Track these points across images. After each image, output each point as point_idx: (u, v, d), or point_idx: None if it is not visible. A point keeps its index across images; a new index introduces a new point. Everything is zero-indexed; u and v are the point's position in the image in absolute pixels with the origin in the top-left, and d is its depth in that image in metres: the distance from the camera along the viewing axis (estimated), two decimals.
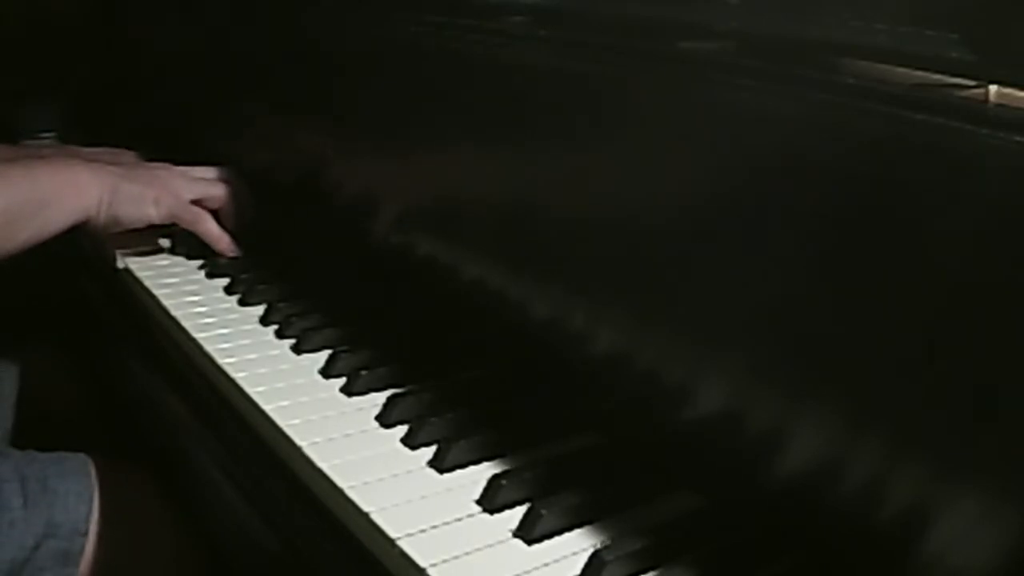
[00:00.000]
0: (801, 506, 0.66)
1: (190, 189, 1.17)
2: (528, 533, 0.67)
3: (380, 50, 1.05)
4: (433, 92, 0.98)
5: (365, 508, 0.70)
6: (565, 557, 0.66)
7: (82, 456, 0.98)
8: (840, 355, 0.63)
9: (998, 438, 0.55)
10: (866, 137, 0.61)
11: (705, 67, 0.74)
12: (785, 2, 0.77)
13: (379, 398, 0.84)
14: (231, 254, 1.16)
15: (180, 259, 1.18)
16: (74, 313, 1.33)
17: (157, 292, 1.07)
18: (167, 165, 1.21)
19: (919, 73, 0.65)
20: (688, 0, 0.84)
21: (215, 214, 1.18)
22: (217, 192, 1.19)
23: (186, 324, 0.99)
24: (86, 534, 0.93)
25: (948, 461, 0.57)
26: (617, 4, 0.90)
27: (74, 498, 0.93)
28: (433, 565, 0.64)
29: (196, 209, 1.16)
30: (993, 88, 0.61)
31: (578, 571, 0.64)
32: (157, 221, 1.14)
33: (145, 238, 1.20)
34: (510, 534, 0.68)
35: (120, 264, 1.16)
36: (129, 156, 1.35)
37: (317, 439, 0.78)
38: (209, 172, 1.22)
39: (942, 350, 0.57)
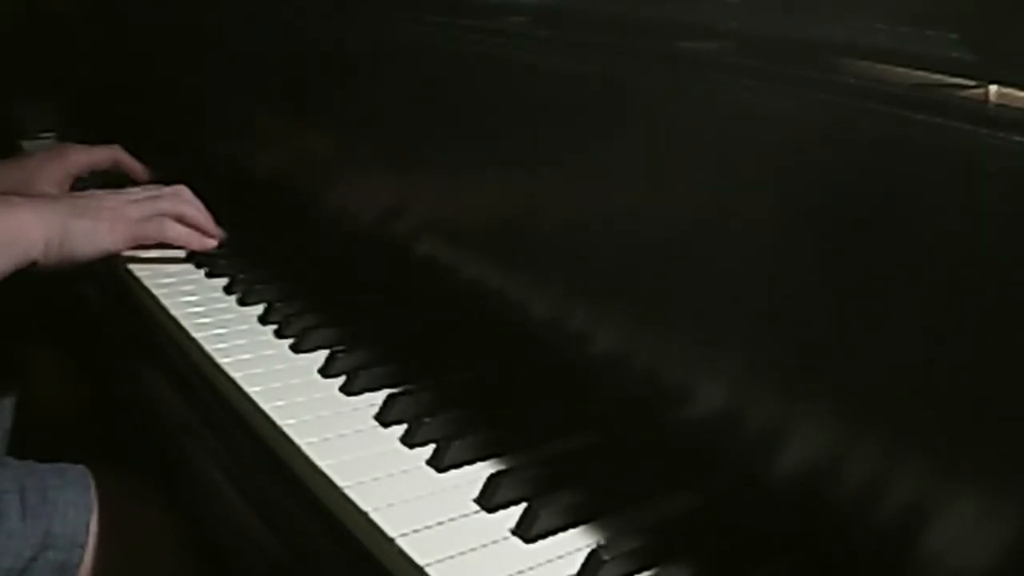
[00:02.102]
0: (799, 506, 0.66)
1: (139, 209, 1.14)
2: (526, 532, 0.67)
3: (380, 50, 1.05)
4: (433, 92, 0.98)
5: (364, 507, 0.70)
6: (563, 556, 0.66)
7: (82, 467, 0.98)
8: (839, 355, 0.63)
9: (998, 438, 0.55)
10: (866, 137, 0.61)
11: (705, 67, 0.74)
12: (785, 2, 0.77)
13: (378, 397, 0.84)
14: (210, 246, 1.16)
15: (179, 259, 1.18)
16: (74, 314, 1.32)
17: (156, 292, 1.07)
18: (111, 194, 1.18)
19: (919, 73, 0.65)
20: (688, 0, 0.84)
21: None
22: (163, 206, 1.16)
23: (185, 324, 0.99)
24: (84, 546, 0.92)
25: (948, 461, 0.57)
26: (617, 4, 0.90)
27: (73, 509, 0.93)
28: (431, 564, 0.64)
29: (153, 222, 1.14)
30: (993, 88, 0.61)
31: (576, 570, 0.64)
32: (117, 250, 1.12)
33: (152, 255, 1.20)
34: (508, 533, 0.68)
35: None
36: (118, 151, 1.36)
37: (316, 438, 0.78)
38: (151, 189, 1.20)
39: (942, 350, 0.57)
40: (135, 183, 1.33)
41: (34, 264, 1.07)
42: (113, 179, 1.38)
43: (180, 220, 1.16)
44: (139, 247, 1.15)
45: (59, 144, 1.49)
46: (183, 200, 1.18)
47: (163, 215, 1.15)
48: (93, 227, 1.09)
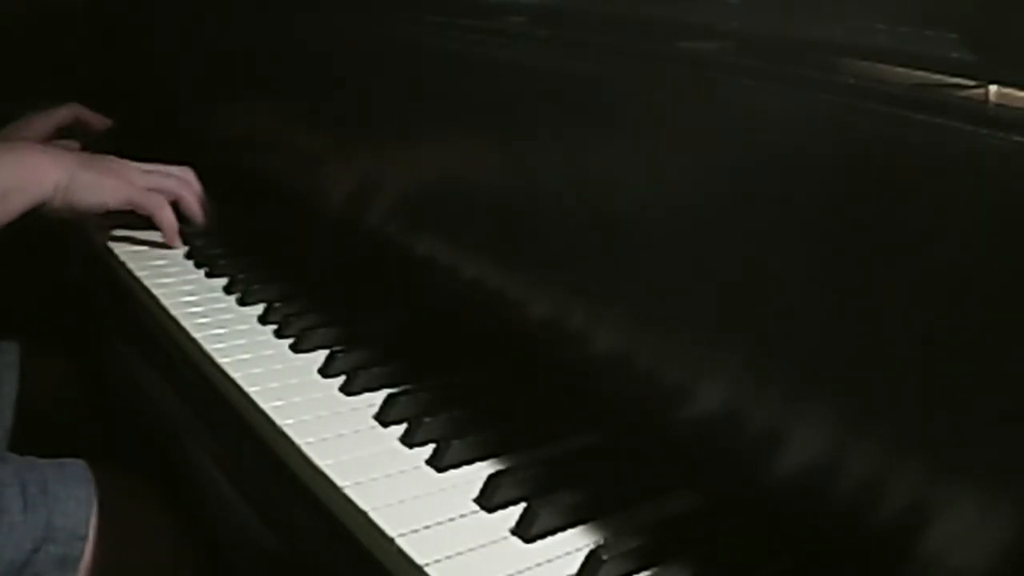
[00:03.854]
0: (798, 505, 0.66)
1: (144, 179, 1.20)
2: (526, 531, 0.67)
3: (380, 50, 1.05)
4: (433, 92, 0.98)
5: (363, 507, 0.70)
6: (562, 555, 0.66)
7: (82, 462, 0.98)
8: (839, 355, 0.63)
9: (998, 438, 0.55)
10: (866, 137, 0.61)
11: (705, 67, 0.74)
12: (785, 2, 0.77)
13: (377, 397, 0.84)
14: (176, 246, 1.20)
15: (179, 258, 1.18)
16: (74, 313, 1.32)
17: (156, 292, 1.07)
18: (122, 160, 1.24)
19: (919, 73, 0.65)
20: (688, 0, 0.84)
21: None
22: (169, 184, 1.22)
23: (185, 324, 0.99)
24: (85, 539, 0.92)
25: (947, 461, 0.57)
26: (617, 4, 0.90)
27: (74, 503, 0.93)
28: (431, 563, 0.64)
29: (154, 195, 1.20)
30: (993, 88, 0.61)
31: (575, 569, 0.64)
32: (113, 207, 1.18)
33: (144, 237, 1.21)
34: (508, 532, 0.68)
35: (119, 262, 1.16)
36: (76, 107, 1.46)
37: (316, 438, 0.78)
38: (163, 167, 1.25)
39: (941, 350, 0.57)
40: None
41: (43, 206, 1.14)
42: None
43: (177, 202, 1.22)
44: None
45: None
46: (187, 184, 1.24)
47: (165, 191, 1.21)
48: (98, 180, 1.17)
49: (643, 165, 0.76)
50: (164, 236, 1.20)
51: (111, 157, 1.24)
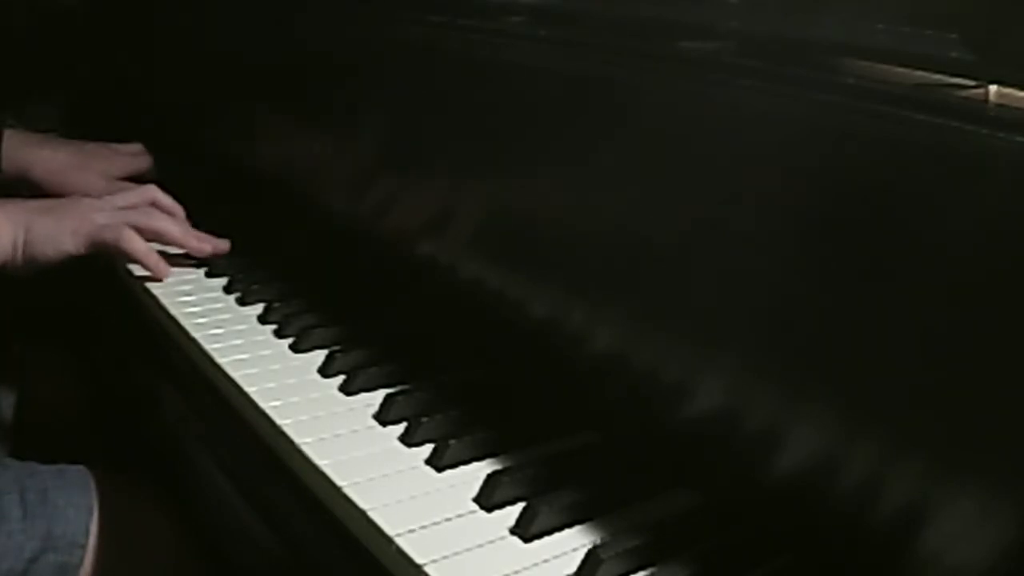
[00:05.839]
0: (797, 504, 0.66)
1: (106, 216, 1.10)
2: (525, 531, 0.67)
3: (381, 50, 1.05)
4: (432, 92, 0.98)
5: (363, 506, 0.70)
6: (562, 554, 0.66)
7: (82, 468, 0.97)
8: (839, 355, 0.63)
9: (997, 438, 0.55)
10: (866, 137, 0.61)
11: (705, 67, 0.74)
12: (785, 2, 0.77)
13: (377, 397, 0.84)
14: (162, 275, 1.09)
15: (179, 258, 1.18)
16: (74, 314, 1.32)
17: (156, 292, 1.07)
18: (86, 199, 1.15)
19: (919, 73, 0.65)
20: (688, 0, 0.84)
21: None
22: (136, 218, 1.11)
23: (185, 324, 0.99)
24: (85, 547, 0.92)
25: (947, 461, 0.57)
26: (617, 4, 0.90)
27: (74, 511, 0.93)
28: (430, 563, 0.64)
29: (117, 228, 1.08)
30: (993, 88, 0.61)
31: (574, 568, 0.64)
32: (76, 253, 1.08)
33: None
34: (507, 532, 0.68)
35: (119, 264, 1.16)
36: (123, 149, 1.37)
37: (316, 437, 0.78)
38: (123, 199, 1.15)
39: (942, 349, 0.57)
40: None
41: (4, 266, 1.06)
42: None
43: (156, 236, 1.11)
44: None
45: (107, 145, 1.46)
46: (157, 214, 1.13)
47: (136, 227, 1.09)
48: (56, 228, 1.07)
49: (643, 165, 0.76)
50: (144, 265, 1.09)
51: (67, 198, 1.15)
